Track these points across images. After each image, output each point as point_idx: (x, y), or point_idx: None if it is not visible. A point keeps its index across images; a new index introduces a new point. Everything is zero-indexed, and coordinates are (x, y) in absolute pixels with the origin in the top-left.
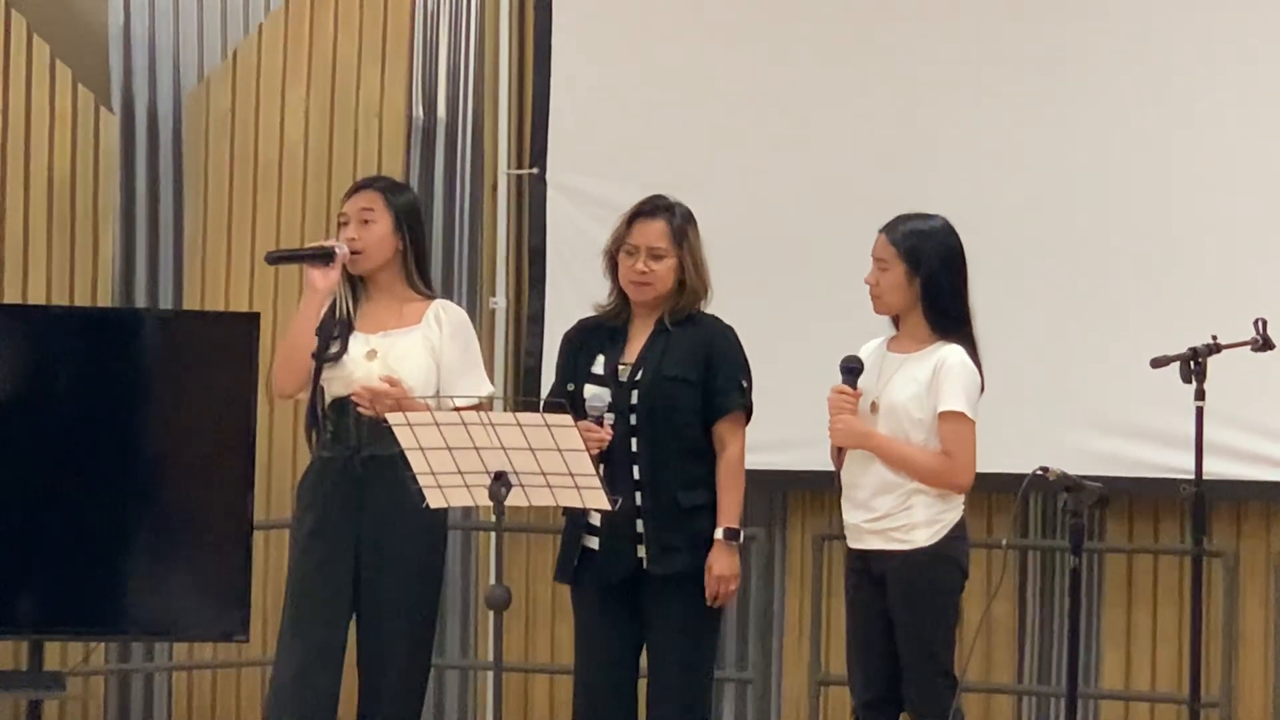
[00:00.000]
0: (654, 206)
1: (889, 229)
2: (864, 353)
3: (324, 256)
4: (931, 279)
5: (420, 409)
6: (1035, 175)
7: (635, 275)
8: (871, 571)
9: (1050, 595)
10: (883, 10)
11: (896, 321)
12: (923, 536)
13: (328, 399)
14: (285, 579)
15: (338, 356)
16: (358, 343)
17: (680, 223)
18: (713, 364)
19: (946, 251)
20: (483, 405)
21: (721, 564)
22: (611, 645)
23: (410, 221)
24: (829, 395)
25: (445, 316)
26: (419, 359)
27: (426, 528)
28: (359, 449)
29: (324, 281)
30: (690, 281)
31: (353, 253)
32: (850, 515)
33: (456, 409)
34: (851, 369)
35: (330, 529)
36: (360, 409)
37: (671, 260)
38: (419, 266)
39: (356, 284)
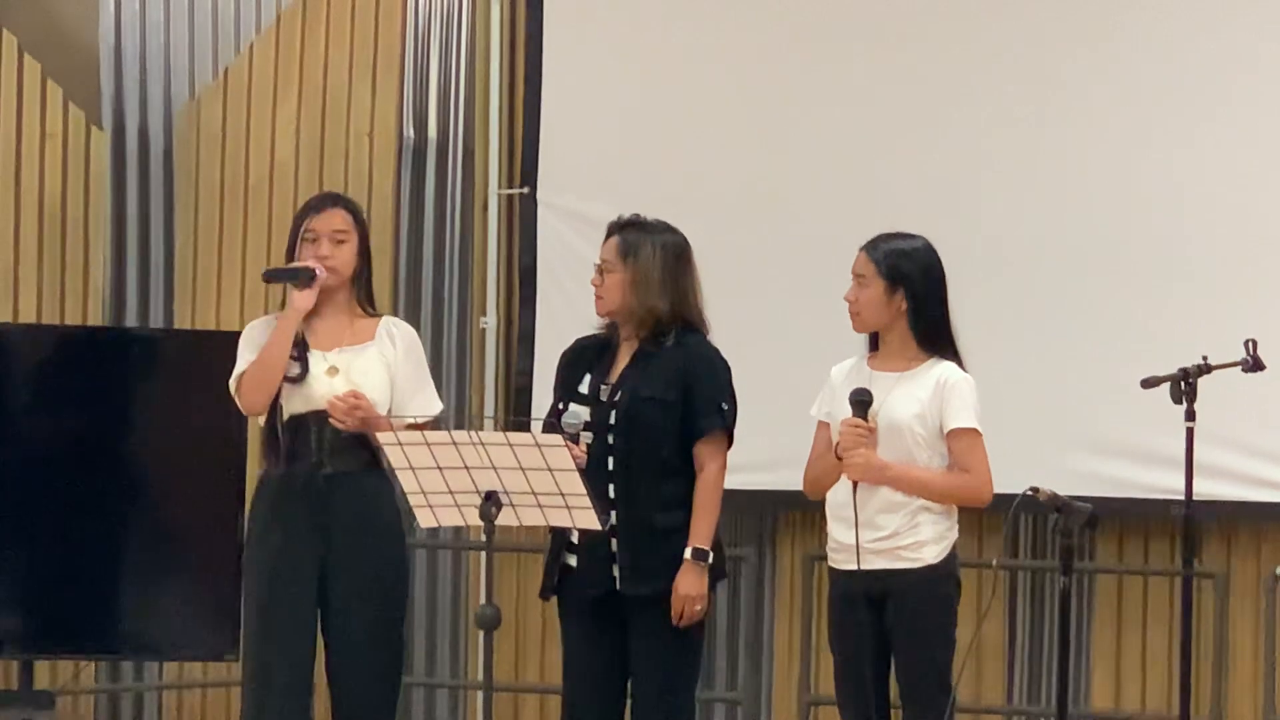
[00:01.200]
0: (613, 223)
1: (870, 246)
2: (838, 373)
3: (307, 277)
4: (914, 296)
5: (386, 425)
6: (1026, 197)
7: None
8: (869, 592)
9: (1040, 615)
10: (877, 32)
11: (874, 340)
12: (931, 554)
13: (285, 415)
14: (245, 597)
15: (302, 376)
16: (316, 359)
17: (633, 238)
18: (693, 385)
19: (927, 269)
20: (430, 424)
21: (687, 584)
22: (594, 663)
23: (367, 241)
24: (841, 429)
25: (398, 333)
26: (380, 375)
27: (391, 545)
28: (320, 465)
29: (304, 302)
30: (640, 296)
31: (326, 271)
32: (848, 536)
33: (411, 427)
34: (862, 401)
35: (296, 548)
36: (334, 421)
37: (618, 275)
38: (368, 285)
39: None
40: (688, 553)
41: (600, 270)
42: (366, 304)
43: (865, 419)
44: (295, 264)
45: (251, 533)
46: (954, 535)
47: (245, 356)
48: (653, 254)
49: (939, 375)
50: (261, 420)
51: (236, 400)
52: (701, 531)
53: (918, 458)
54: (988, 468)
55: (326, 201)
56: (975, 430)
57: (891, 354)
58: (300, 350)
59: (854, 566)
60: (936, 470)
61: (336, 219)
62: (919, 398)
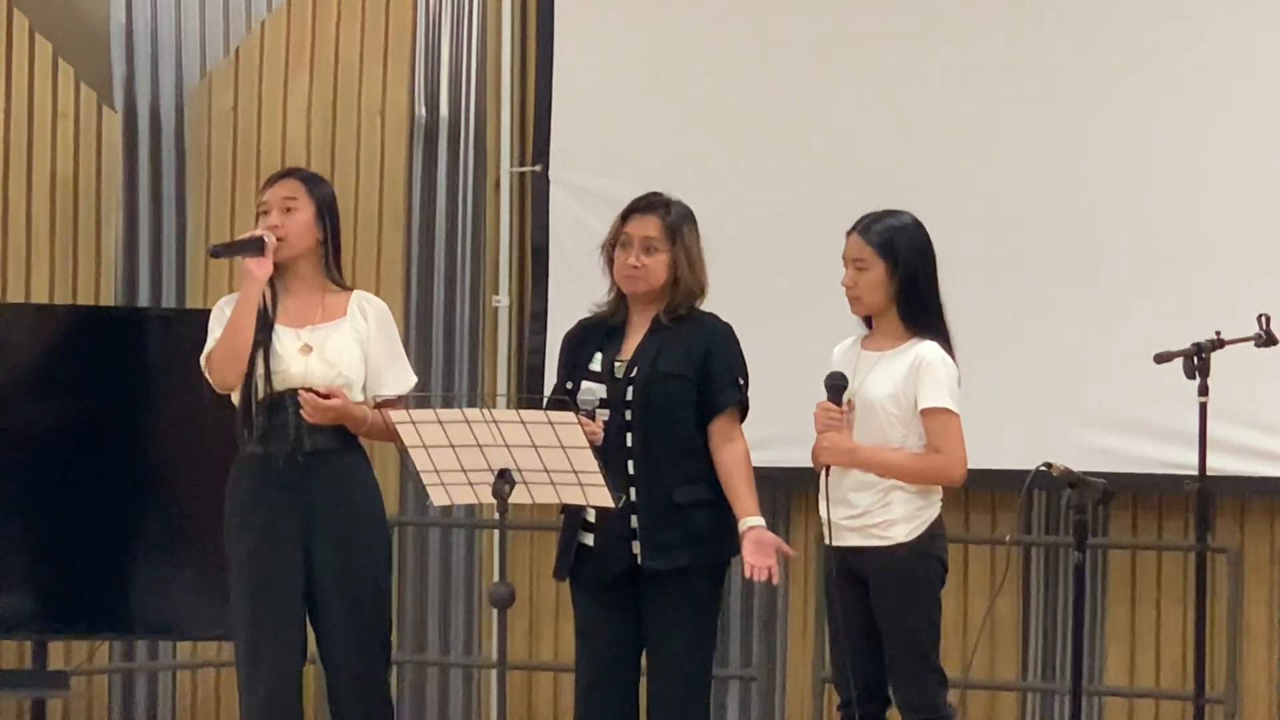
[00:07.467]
0: (649, 202)
1: (862, 229)
2: (837, 353)
3: (256, 246)
4: (909, 275)
5: (360, 415)
6: (1036, 171)
7: (627, 268)
8: (852, 569)
9: (1054, 592)
10: (884, 7)
11: (869, 320)
12: (901, 532)
13: (259, 395)
14: (233, 579)
15: (264, 350)
16: (289, 337)
17: (675, 219)
18: (709, 361)
19: (921, 246)
20: (405, 400)
21: (765, 538)
22: (611, 642)
23: (330, 212)
24: (815, 412)
25: (369, 308)
26: (353, 352)
27: (373, 521)
28: (299, 445)
29: (261, 270)
30: (684, 277)
31: (277, 240)
32: (828, 512)
33: (381, 403)
34: (837, 385)
35: (281, 529)
36: (303, 412)
37: (664, 255)
38: (336, 258)
39: (273, 278)
40: (754, 521)
41: (642, 248)
42: (338, 277)
43: (839, 402)
44: (242, 236)
45: (233, 513)
46: (931, 514)
47: (215, 334)
48: (691, 232)
49: (915, 355)
50: (237, 399)
51: (208, 377)
52: (751, 504)
53: (891, 437)
54: (960, 447)
55: (279, 175)
56: (948, 410)
57: (882, 333)
58: (263, 325)
59: (829, 542)
60: (907, 452)
61: (286, 188)
62: (894, 377)
